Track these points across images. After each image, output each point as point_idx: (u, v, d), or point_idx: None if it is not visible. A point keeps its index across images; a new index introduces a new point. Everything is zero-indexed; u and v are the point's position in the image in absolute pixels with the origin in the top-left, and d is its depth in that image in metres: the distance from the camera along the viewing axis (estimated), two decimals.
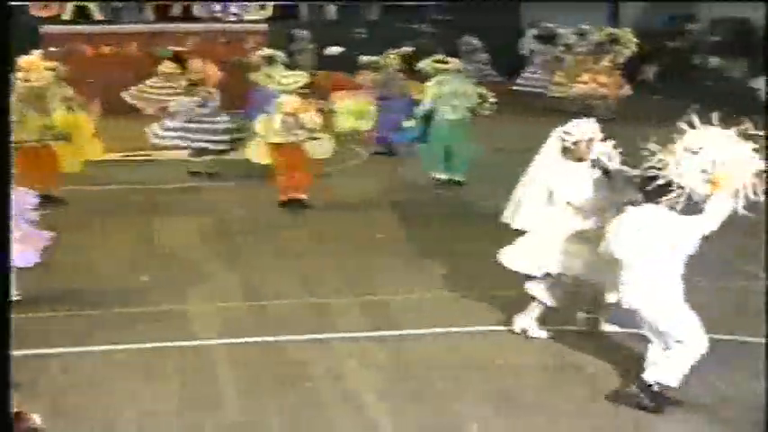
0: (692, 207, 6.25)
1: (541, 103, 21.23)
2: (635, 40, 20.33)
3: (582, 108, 20.28)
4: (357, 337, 7.94)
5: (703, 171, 6.14)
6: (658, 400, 6.50)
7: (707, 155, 6.16)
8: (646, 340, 6.65)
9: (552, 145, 7.85)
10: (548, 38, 22.99)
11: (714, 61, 23.96)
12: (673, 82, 22.30)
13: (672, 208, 6.25)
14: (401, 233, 11.29)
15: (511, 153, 16.11)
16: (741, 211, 6.14)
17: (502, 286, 9.17)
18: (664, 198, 6.27)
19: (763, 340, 7.11)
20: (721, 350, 6.82)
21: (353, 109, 15.49)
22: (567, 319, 8.03)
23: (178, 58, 18.46)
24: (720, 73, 23.46)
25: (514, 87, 22.51)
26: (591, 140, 7.61)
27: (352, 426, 6.45)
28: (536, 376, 7.21)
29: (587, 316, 7.94)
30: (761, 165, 6.20)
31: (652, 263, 6.34)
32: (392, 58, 17.03)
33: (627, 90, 20.16)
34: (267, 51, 18.57)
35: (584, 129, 7.72)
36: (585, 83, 20.28)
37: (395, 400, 6.78)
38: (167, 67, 18.37)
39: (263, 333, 8.00)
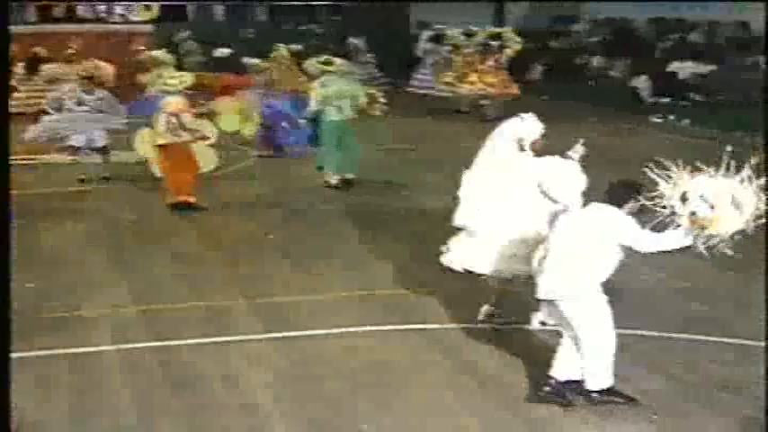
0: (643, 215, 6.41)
1: (432, 104, 21.44)
2: (518, 39, 20.69)
3: (470, 108, 20.62)
4: (251, 339, 7.93)
5: (693, 213, 6.13)
6: (571, 397, 6.61)
7: (709, 198, 6.12)
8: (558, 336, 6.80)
9: (499, 144, 7.76)
10: (438, 39, 23.28)
11: (596, 61, 24.53)
12: (558, 81, 22.76)
13: (630, 213, 6.39)
14: (292, 235, 11.28)
15: (400, 153, 16.41)
16: (701, 249, 6.17)
17: (393, 286, 9.28)
18: (627, 205, 6.41)
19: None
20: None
21: (237, 111, 15.44)
22: (473, 318, 8.18)
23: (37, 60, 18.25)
24: (603, 72, 24.04)
25: (409, 89, 22.65)
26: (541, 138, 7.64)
27: (246, 428, 6.43)
28: (431, 374, 7.27)
29: (493, 312, 8.06)
30: (756, 211, 6.12)
31: (582, 257, 6.39)
32: (282, 52, 17.02)
33: (514, 89, 20.50)
34: (156, 53, 18.38)
35: (538, 126, 7.70)
36: (473, 83, 20.56)
37: (289, 401, 6.79)
38: (49, 68, 18.07)
39: (155, 337, 7.91)
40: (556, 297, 6.48)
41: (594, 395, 6.59)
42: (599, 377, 6.54)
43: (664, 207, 6.17)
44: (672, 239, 6.29)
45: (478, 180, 7.84)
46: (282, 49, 18.13)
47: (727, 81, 20.09)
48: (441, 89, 21.69)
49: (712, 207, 6.07)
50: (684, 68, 21.41)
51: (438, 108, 21.18)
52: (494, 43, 20.54)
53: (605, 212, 6.46)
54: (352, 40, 24.77)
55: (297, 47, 18.10)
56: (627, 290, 6.95)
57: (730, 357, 7.47)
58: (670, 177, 6.20)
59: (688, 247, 6.28)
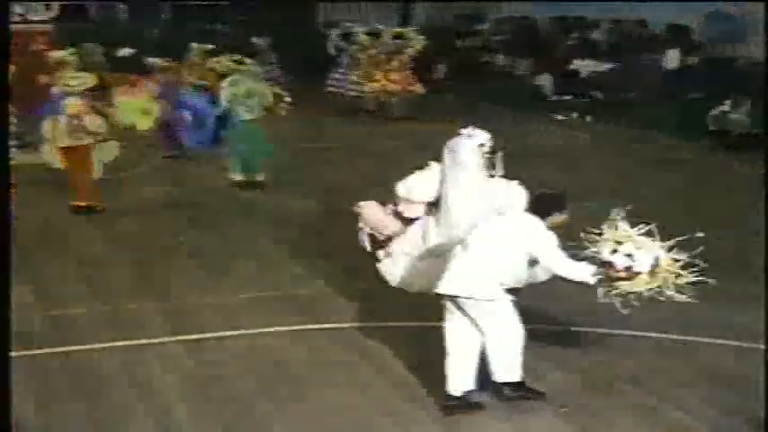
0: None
1: (341, 104, 21.43)
2: (421, 38, 20.82)
3: (376, 107, 20.70)
4: (160, 342, 7.85)
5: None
6: (478, 400, 6.63)
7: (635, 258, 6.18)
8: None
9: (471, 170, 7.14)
10: (347, 38, 23.24)
11: (501, 59, 24.82)
12: (464, 80, 22.96)
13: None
14: (201, 236, 11.19)
15: (309, 152, 16.38)
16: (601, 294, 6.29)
17: (304, 286, 9.28)
18: (550, 217, 6.48)
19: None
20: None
21: (136, 105, 15.22)
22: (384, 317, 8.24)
23: None
24: (507, 71, 24.33)
25: (328, 89, 22.53)
26: None
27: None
28: (343, 374, 7.28)
29: None
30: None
31: (498, 260, 6.42)
32: (196, 51, 16.84)
33: (418, 88, 20.61)
34: (59, 53, 18.02)
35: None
36: (378, 82, 20.64)
37: (199, 403, 6.74)
38: None
39: (61, 342, 7.78)
40: (469, 295, 6.46)
41: (506, 390, 6.66)
42: (510, 372, 6.61)
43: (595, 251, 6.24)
44: (578, 271, 6.33)
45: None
46: (197, 48, 17.95)
47: (625, 78, 20.49)
48: (350, 88, 21.72)
49: (630, 267, 6.15)
50: (585, 66, 21.80)
51: (346, 107, 21.20)
52: (397, 42, 20.65)
53: (527, 220, 6.51)
54: (256, 40, 24.64)
55: (210, 46, 17.92)
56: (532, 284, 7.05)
57: (636, 350, 7.64)
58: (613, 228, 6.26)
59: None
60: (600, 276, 6.22)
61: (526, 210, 6.59)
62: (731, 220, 11.65)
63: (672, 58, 19.91)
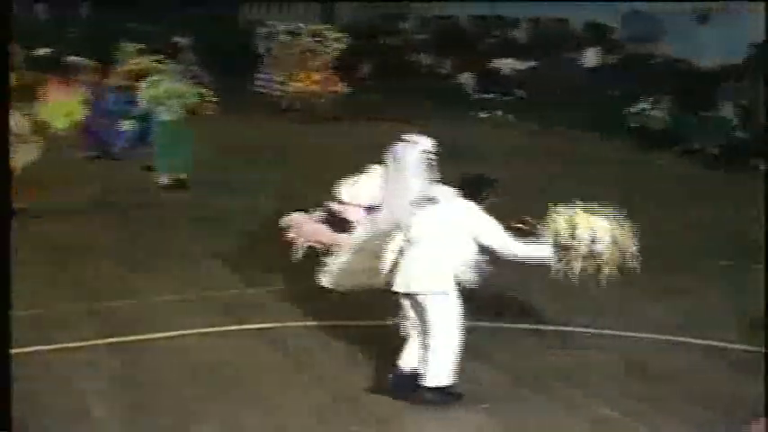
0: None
1: (266, 103, 21.33)
2: (341, 36, 20.77)
3: (301, 106, 20.66)
4: (84, 345, 7.73)
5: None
6: (409, 391, 6.64)
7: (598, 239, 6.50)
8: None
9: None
10: (271, 37, 23.02)
11: (425, 58, 24.93)
12: (389, 79, 23.02)
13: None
14: (126, 237, 11.06)
15: (231, 152, 16.28)
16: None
17: (229, 286, 9.22)
18: (482, 199, 6.56)
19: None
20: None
21: (61, 107, 14.98)
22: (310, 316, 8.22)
23: None
24: (431, 69, 24.44)
25: (256, 89, 22.37)
26: None
27: None
28: (270, 374, 7.24)
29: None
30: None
31: (444, 250, 6.46)
32: (128, 49, 16.61)
33: (340, 88, 20.59)
34: None
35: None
36: (300, 81, 20.59)
37: (124, 407, 6.66)
38: None
39: None
40: (421, 290, 6.49)
41: (428, 395, 6.59)
42: (440, 375, 6.58)
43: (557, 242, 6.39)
44: (537, 251, 6.49)
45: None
46: (129, 47, 17.68)
47: (547, 76, 20.70)
48: (275, 88, 21.63)
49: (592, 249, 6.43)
50: (506, 65, 21.99)
51: (273, 107, 21.10)
52: (318, 41, 20.60)
53: (462, 204, 6.56)
54: (178, 39, 24.37)
55: (140, 45, 17.68)
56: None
57: (564, 346, 7.74)
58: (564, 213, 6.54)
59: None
60: (558, 257, 6.39)
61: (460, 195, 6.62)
62: (651, 215, 11.84)
63: (591, 57, 20.19)
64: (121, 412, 6.56)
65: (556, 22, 22.94)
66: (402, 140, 7.10)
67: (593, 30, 21.23)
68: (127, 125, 14.53)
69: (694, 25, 18.60)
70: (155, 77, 13.58)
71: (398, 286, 6.58)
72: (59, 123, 15.00)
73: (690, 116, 16.38)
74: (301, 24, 22.21)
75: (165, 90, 13.45)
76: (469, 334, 7.44)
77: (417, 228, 6.57)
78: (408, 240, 6.58)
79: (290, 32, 21.69)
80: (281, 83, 21.26)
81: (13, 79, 13.19)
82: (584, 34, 21.36)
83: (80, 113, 14.98)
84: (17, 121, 11.95)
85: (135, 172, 14.17)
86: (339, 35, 20.86)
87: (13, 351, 7.41)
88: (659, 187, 13.97)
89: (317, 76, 20.60)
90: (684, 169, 15.18)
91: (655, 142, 16.61)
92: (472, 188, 6.64)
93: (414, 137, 7.18)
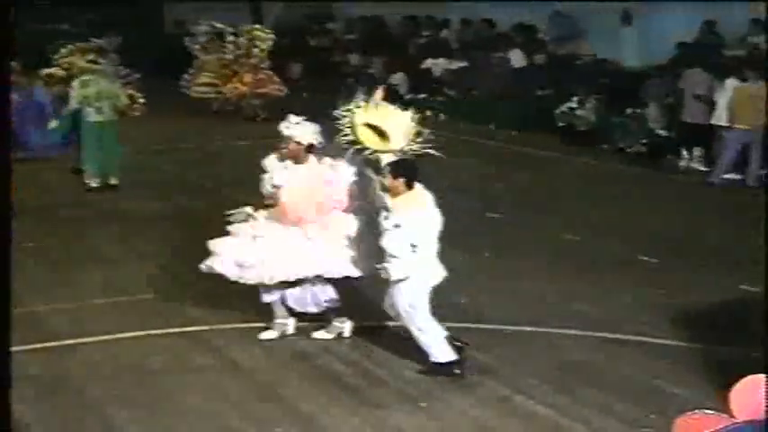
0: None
1: (196, 104, 21.09)
2: (269, 36, 20.60)
3: (233, 107, 20.49)
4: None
5: None
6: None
7: None
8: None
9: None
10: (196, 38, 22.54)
11: (354, 59, 24.90)
12: (318, 79, 22.93)
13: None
14: (50, 240, 10.88)
15: (161, 154, 16.14)
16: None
17: (156, 289, 9.12)
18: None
19: None
20: None
21: None
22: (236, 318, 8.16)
23: None
24: (361, 70, 24.42)
25: (181, 90, 22.03)
26: None
27: None
28: (197, 377, 7.19)
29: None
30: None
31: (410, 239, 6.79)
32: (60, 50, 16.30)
33: (275, 90, 20.42)
34: None
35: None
36: (231, 83, 20.41)
37: (49, 414, 6.56)
38: None
39: None
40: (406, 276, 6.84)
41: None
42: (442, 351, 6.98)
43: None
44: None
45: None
46: (62, 47, 17.36)
47: (476, 76, 20.81)
48: (203, 91, 21.29)
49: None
50: (438, 65, 22.05)
51: (201, 108, 20.90)
52: (244, 42, 20.41)
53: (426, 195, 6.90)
54: (99, 40, 23.96)
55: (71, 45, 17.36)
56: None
57: (488, 343, 7.79)
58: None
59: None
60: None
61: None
62: (584, 217, 11.98)
63: (517, 57, 20.36)
64: (48, 420, 6.46)
65: (484, 23, 23.05)
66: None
67: (521, 31, 21.40)
68: (54, 125, 14.29)
69: (617, 25, 18.86)
70: (85, 77, 13.39)
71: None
72: None
73: (615, 115, 16.60)
74: (220, 25, 21.85)
75: (96, 91, 13.27)
76: (395, 333, 7.51)
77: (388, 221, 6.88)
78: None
79: (216, 33, 21.37)
80: (208, 84, 21.01)
81: None
82: (513, 35, 21.51)
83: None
84: None
85: (59, 173, 13.99)
86: (266, 35, 20.68)
87: None
88: (584, 185, 14.13)
89: (248, 78, 20.43)
90: (610, 167, 15.38)
91: (582, 141, 16.80)
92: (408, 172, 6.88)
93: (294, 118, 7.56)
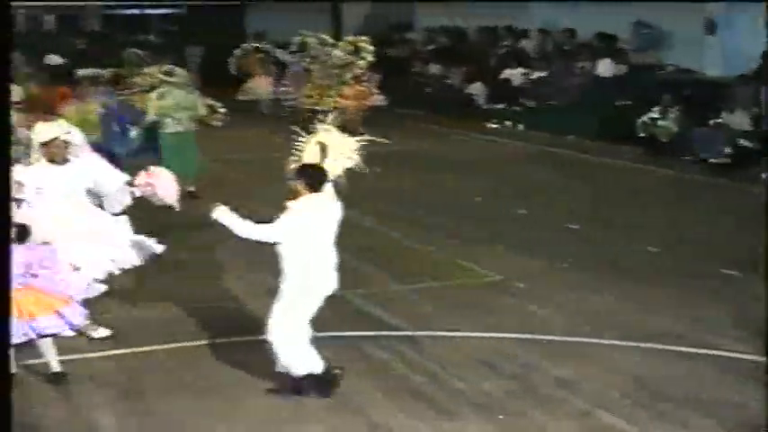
0: None
1: (286, 115, 21.21)
2: (372, 49, 20.49)
3: (342, 121, 20.41)
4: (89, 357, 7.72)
5: None
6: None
7: None
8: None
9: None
10: (300, 48, 22.52)
11: (433, 69, 24.88)
12: (396, 89, 22.94)
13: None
14: None
15: (240, 164, 16.30)
16: None
17: (227, 298, 9.18)
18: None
19: None
20: None
21: (76, 117, 15.00)
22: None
23: None
24: (440, 80, 24.40)
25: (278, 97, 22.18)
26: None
27: None
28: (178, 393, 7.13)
29: None
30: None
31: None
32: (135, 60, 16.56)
33: (379, 100, 20.33)
34: None
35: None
36: (332, 98, 20.31)
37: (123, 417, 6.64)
38: None
39: None
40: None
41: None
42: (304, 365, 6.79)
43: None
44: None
45: None
46: (135, 57, 17.69)
47: (556, 86, 20.67)
48: (300, 102, 21.28)
49: None
50: (516, 75, 21.94)
51: (281, 117, 21.03)
52: (346, 54, 20.33)
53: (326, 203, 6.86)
54: (188, 50, 24.27)
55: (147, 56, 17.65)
56: None
57: (564, 355, 7.70)
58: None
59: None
60: None
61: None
62: (665, 229, 11.79)
63: (604, 67, 20.15)
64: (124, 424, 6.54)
65: (564, 33, 22.86)
66: None
67: (603, 40, 21.17)
68: (134, 134, 14.45)
69: (700, 35, 18.56)
70: (163, 89, 13.53)
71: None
72: (87, 133, 14.99)
73: (697, 125, 16.34)
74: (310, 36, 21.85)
75: (174, 102, 13.43)
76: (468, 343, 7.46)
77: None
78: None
79: (322, 43, 21.17)
80: (309, 96, 20.91)
81: (20, 92, 13.27)
82: (595, 44, 21.30)
83: (96, 124, 15.00)
84: (25, 133, 11.99)
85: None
86: (368, 47, 20.44)
87: None
88: (665, 196, 13.92)
89: (348, 90, 20.27)
90: (692, 178, 15.13)
91: (663, 152, 16.56)
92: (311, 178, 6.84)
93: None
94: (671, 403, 6.74)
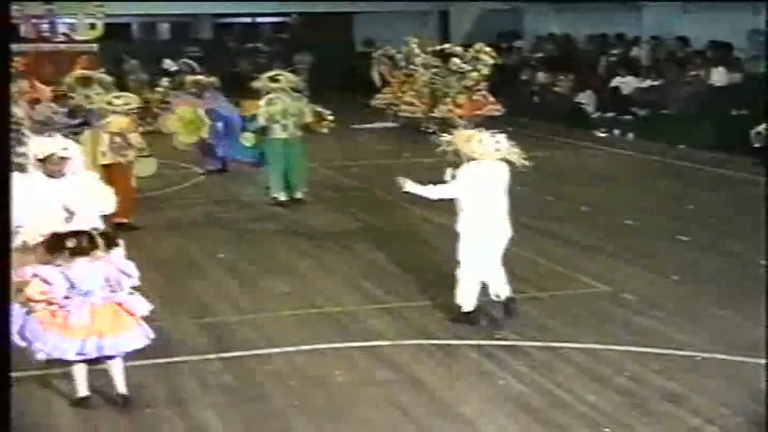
0: None
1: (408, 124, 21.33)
2: (490, 59, 20.35)
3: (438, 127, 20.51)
4: (198, 359, 7.83)
5: None
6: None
7: None
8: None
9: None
10: (390, 56, 22.59)
11: (541, 77, 24.69)
12: (503, 97, 22.82)
13: None
14: (239, 253, 11.18)
15: (348, 169, 16.40)
16: None
17: (341, 303, 9.23)
18: None
19: None
20: None
21: (187, 117, 15.33)
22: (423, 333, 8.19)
23: None
24: (547, 88, 24.20)
25: (373, 103, 22.30)
26: None
27: None
28: (379, 392, 7.18)
29: None
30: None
31: None
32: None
33: (495, 109, 20.23)
34: (86, 73, 18.28)
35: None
36: (446, 105, 20.30)
37: (237, 422, 6.70)
38: None
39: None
40: None
41: None
42: None
43: None
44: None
45: None
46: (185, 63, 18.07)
47: (668, 95, 20.32)
48: (405, 110, 21.33)
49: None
50: (627, 83, 21.62)
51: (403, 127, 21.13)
52: (467, 61, 20.28)
53: None
54: (300, 56, 24.53)
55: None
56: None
57: (675, 369, 7.54)
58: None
59: None
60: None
61: None
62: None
63: (718, 76, 19.72)
64: (236, 428, 6.61)
65: (677, 41, 22.47)
66: None
67: (717, 48, 20.73)
68: (247, 140, 14.63)
69: None
70: (271, 95, 13.69)
71: None
72: (185, 138, 15.38)
73: None
74: (446, 46, 21.68)
75: (282, 109, 13.57)
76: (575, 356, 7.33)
77: None
78: None
79: (436, 54, 21.06)
80: (411, 104, 20.95)
81: (138, 100, 13.62)
82: (708, 52, 20.86)
83: (204, 128, 15.32)
84: (137, 138, 12.29)
85: (249, 188, 14.42)
86: (486, 56, 20.29)
87: (128, 364, 7.65)
88: None
89: (462, 100, 20.21)
90: None
91: None
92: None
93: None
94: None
